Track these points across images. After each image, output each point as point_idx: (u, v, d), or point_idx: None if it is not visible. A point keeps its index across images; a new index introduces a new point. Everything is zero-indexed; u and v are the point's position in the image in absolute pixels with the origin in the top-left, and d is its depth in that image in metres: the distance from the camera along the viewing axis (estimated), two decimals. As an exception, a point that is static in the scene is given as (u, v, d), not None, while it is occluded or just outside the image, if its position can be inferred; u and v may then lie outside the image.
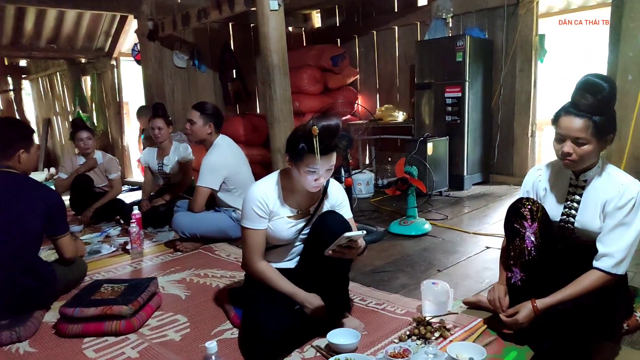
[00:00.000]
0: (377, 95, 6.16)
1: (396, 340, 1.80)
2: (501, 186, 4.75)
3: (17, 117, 8.50)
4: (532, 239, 1.69)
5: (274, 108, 3.66)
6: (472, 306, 2.05)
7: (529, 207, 1.73)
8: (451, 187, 4.62)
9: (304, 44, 6.69)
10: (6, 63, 8.48)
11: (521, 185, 1.92)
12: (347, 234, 1.63)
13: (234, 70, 6.06)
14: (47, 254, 2.86)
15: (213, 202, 3.26)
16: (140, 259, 3.04)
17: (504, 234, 1.84)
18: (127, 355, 1.82)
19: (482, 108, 4.74)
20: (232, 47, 6.08)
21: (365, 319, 1.99)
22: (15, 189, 2.12)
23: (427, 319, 1.91)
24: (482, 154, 4.85)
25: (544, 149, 4.90)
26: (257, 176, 3.10)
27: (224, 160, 3.13)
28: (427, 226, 3.29)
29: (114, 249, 3.25)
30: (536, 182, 1.85)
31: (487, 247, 2.91)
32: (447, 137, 4.56)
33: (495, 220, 3.49)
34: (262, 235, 1.90)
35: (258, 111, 6.27)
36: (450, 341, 1.77)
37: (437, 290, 2.00)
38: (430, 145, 4.28)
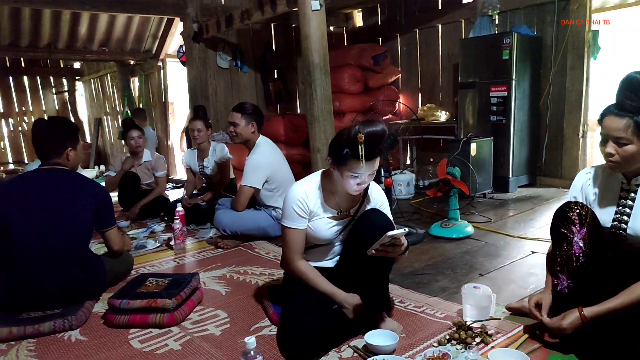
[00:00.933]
0: (419, 95, 6.06)
1: (435, 344, 1.77)
2: (549, 189, 4.57)
3: (71, 116, 8.98)
4: (581, 244, 1.62)
5: (314, 108, 3.68)
6: (516, 312, 1.98)
7: (578, 211, 1.65)
8: (495, 189, 4.49)
9: (345, 44, 6.69)
10: (62, 65, 8.97)
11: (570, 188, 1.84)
12: (391, 232, 1.62)
13: (275, 71, 6.14)
14: (97, 248, 3.00)
15: (254, 201, 3.31)
16: (183, 255, 3.13)
17: (550, 238, 1.77)
18: (170, 347, 1.88)
19: (530, 107, 4.58)
20: (274, 48, 6.16)
21: (404, 321, 1.96)
22: (66, 184, 2.24)
23: (467, 323, 1.87)
24: (529, 155, 4.68)
25: (595, 150, 4.67)
26: (297, 175, 3.13)
27: (266, 159, 3.17)
28: (470, 229, 3.21)
29: (159, 244, 3.36)
30: (585, 185, 1.77)
31: (533, 252, 2.80)
32: (492, 137, 4.43)
33: (542, 224, 3.36)
34: (302, 235, 1.92)
35: (298, 111, 6.32)
36: (492, 347, 1.72)
37: (479, 294, 1.95)
38: (473, 146, 4.17)
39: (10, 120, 8.51)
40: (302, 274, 1.91)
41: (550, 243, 1.78)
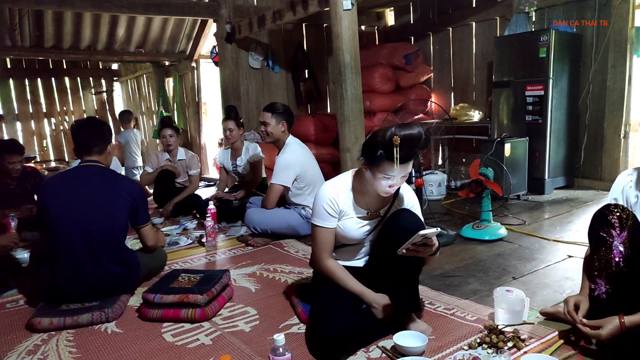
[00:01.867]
0: (452, 94, 5.97)
1: (465, 347, 1.74)
2: (587, 191, 4.41)
3: (109, 116, 9.30)
4: (621, 249, 1.55)
5: (345, 107, 3.67)
6: (550, 317, 1.92)
7: (618, 214, 1.59)
8: (530, 191, 4.37)
9: (377, 43, 6.65)
10: (100, 67, 9.29)
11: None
12: (422, 232, 1.60)
13: (306, 70, 6.16)
14: (132, 244, 3.09)
15: (283, 200, 3.34)
16: (214, 252, 3.19)
17: (588, 242, 1.71)
18: (201, 342, 1.92)
19: (568, 107, 4.43)
20: (305, 47, 6.18)
21: (434, 323, 1.94)
22: (105, 181, 2.32)
23: (499, 327, 1.83)
24: (567, 156, 4.53)
25: (638, 151, 4.48)
26: (326, 175, 3.14)
27: (295, 158, 3.20)
28: (503, 231, 3.14)
29: (191, 241, 3.44)
30: (627, 187, 1.70)
31: (569, 256, 2.71)
32: (527, 137, 4.31)
33: (579, 228, 3.25)
34: (331, 234, 1.92)
35: (329, 110, 6.32)
36: (525, 352, 1.68)
37: (512, 298, 1.90)
38: (507, 146, 4.07)
39: (53, 120, 8.87)
40: (331, 272, 1.91)
41: (588, 247, 1.73)
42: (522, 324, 1.88)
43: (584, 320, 1.60)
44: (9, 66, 8.29)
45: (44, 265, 2.25)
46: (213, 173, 7.08)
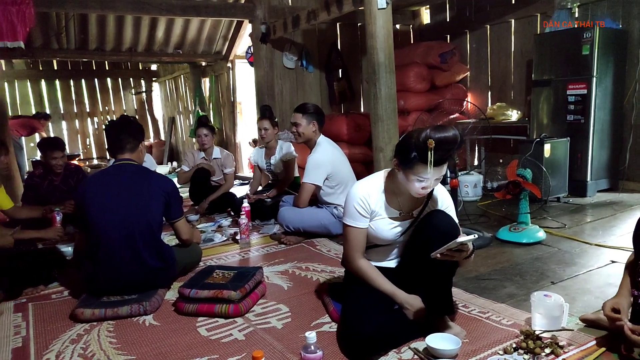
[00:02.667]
0: (489, 93, 5.83)
1: (500, 352, 1.70)
2: (633, 194, 4.22)
3: (148, 115, 9.59)
4: (669, 254, 1.48)
5: (379, 107, 3.65)
6: (591, 325, 1.85)
7: (667, 218, 1.52)
8: (571, 193, 4.22)
9: (412, 41, 6.57)
10: (140, 68, 9.59)
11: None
12: (459, 239, 1.57)
13: (340, 70, 6.16)
14: (168, 240, 3.17)
15: (316, 199, 3.36)
16: (248, 249, 3.24)
17: (632, 247, 1.64)
18: (235, 337, 1.95)
19: (612, 106, 4.25)
20: (339, 47, 6.18)
21: (467, 327, 1.90)
22: (140, 178, 2.39)
23: (537, 333, 1.77)
24: (610, 158, 4.35)
25: (689, 153, 4.25)
26: (359, 175, 3.13)
27: (327, 157, 3.22)
28: (541, 234, 3.05)
29: (225, 238, 3.50)
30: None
31: (613, 261, 2.60)
32: (568, 138, 4.17)
33: (624, 232, 3.11)
34: (363, 234, 1.92)
35: (362, 110, 6.30)
36: (563, 359, 1.63)
37: (550, 303, 1.84)
38: (547, 147, 3.95)
39: (95, 119, 9.23)
40: (363, 272, 1.91)
41: (632, 252, 1.65)
42: (560, 330, 1.82)
43: (629, 323, 1.53)
44: (55, 68, 8.68)
45: (86, 259, 2.34)
46: (247, 172, 7.18)
